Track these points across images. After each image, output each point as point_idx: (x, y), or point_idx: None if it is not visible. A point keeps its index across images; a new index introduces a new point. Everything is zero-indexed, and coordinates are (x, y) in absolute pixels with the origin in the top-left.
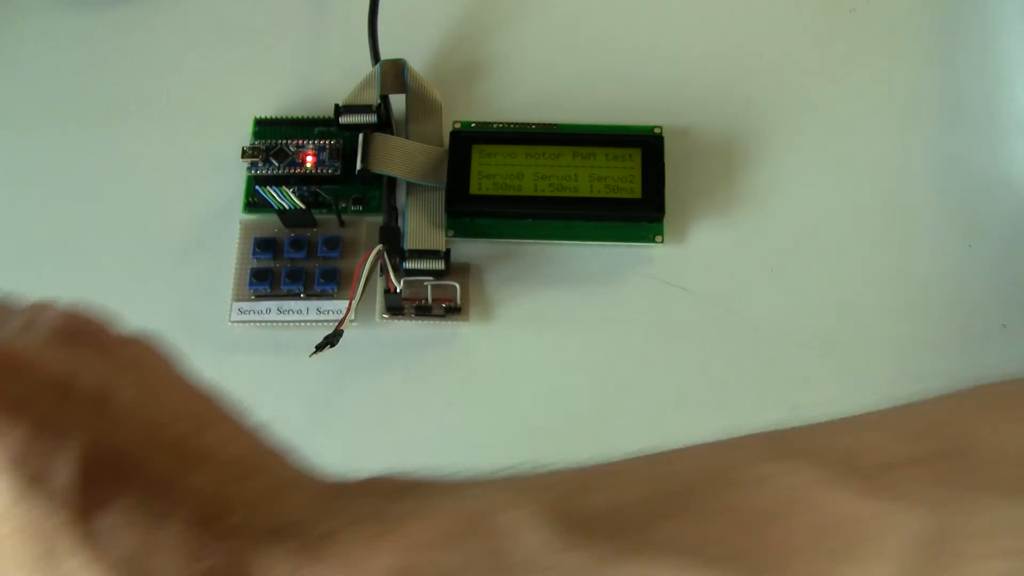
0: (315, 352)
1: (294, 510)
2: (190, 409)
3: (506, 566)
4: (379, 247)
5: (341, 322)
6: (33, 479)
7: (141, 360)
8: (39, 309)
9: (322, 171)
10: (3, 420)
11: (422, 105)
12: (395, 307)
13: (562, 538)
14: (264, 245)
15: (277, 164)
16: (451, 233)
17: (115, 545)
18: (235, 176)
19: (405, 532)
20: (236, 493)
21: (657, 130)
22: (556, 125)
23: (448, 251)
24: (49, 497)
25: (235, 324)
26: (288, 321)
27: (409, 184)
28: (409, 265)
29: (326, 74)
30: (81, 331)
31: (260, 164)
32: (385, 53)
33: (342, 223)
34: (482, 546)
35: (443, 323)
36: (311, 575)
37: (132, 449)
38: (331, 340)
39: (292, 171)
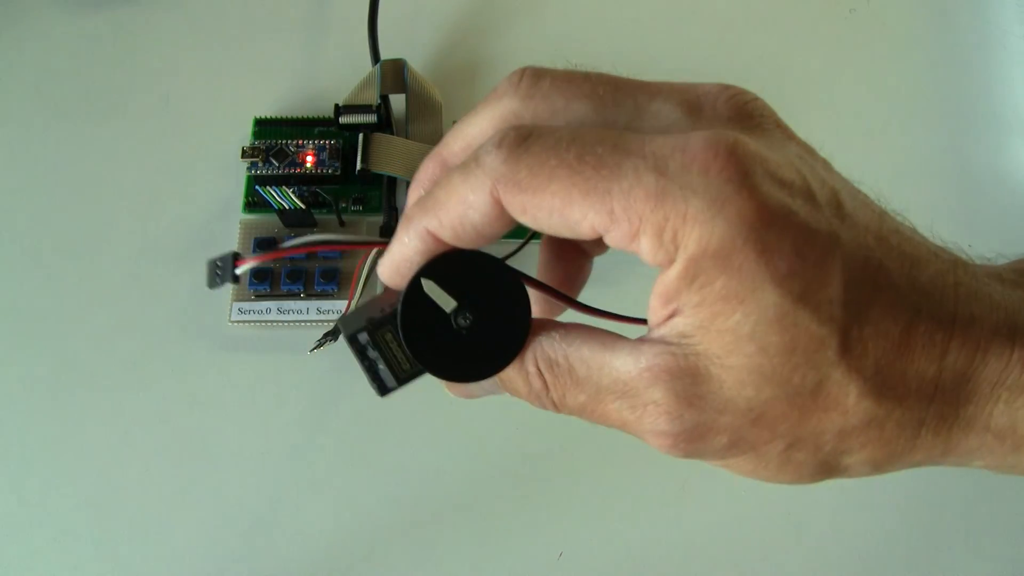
0: (316, 348)
1: (1008, 306)
2: (871, 204)
3: None
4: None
5: (341, 318)
6: (800, 297)
7: (814, 153)
8: (684, 89)
9: (322, 171)
10: (773, 233)
11: (422, 105)
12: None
13: None
14: (264, 245)
15: (277, 164)
16: None
17: (871, 353)
18: (235, 176)
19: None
20: (951, 287)
21: None
22: None
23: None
24: (818, 312)
25: (235, 324)
26: (288, 321)
27: (409, 184)
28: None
29: (326, 74)
30: (760, 119)
31: (260, 164)
32: (385, 53)
33: (342, 223)
34: None
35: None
36: (941, 461)
37: (871, 254)
38: (331, 336)
39: (292, 171)
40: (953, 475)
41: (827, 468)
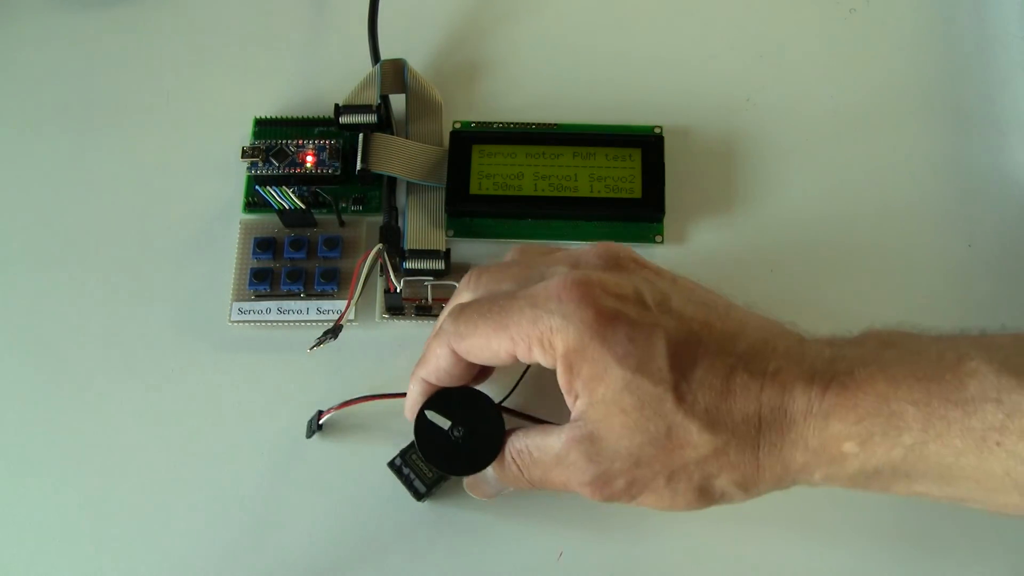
0: (315, 345)
1: (811, 360)
2: (708, 301)
3: (965, 399)
4: (379, 247)
5: (341, 317)
6: (637, 368)
7: (663, 274)
8: (570, 253)
9: (322, 171)
10: (606, 327)
11: (422, 105)
12: (395, 307)
13: (1011, 381)
14: (264, 245)
15: (277, 164)
16: (451, 233)
17: (700, 400)
18: (235, 176)
19: (892, 373)
20: (769, 351)
21: (657, 130)
22: (556, 125)
23: (448, 251)
24: (651, 377)
25: (235, 324)
26: (288, 321)
27: (409, 184)
28: (409, 265)
29: (326, 74)
30: (619, 260)
31: (260, 164)
32: (385, 53)
33: (342, 223)
34: (946, 384)
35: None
36: (830, 404)
37: (692, 335)
38: (332, 333)
39: (292, 171)
40: None
41: (706, 493)
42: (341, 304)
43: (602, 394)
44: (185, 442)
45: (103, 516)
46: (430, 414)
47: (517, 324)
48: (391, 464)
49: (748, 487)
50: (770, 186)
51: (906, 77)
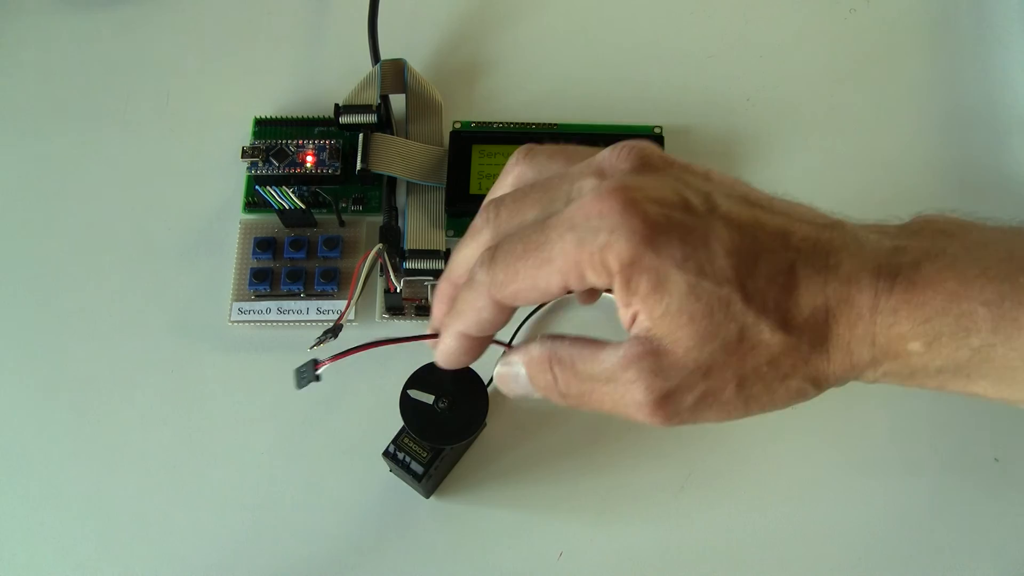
0: (315, 345)
1: (872, 252)
2: (750, 196)
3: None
4: (379, 247)
5: (341, 316)
6: (699, 271)
7: (695, 170)
8: (591, 162)
9: (322, 171)
10: (658, 234)
11: (422, 105)
12: (395, 307)
13: None
14: (264, 245)
15: (277, 164)
16: (451, 233)
17: (768, 297)
18: (235, 176)
19: (961, 270)
20: (825, 242)
21: (657, 130)
22: (556, 125)
23: (448, 251)
24: (715, 278)
25: (235, 324)
26: (288, 321)
27: (409, 184)
28: (409, 265)
29: (326, 74)
30: (649, 161)
31: (260, 164)
32: (385, 53)
33: (342, 223)
34: (1019, 286)
35: None
36: (898, 301)
37: (746, 233)
38: (332, 333)
39: (292, 171)
40: (953, 476)
41: (779, 394)
42: (341, 304)
43: (666, 305)
44: (185, 441)
45: (103, 516)
46: (412, 393)
47: (562, 254)
48: (386, 453)
49: (820, 383)
50: (770, 186)
51: (906, 77)
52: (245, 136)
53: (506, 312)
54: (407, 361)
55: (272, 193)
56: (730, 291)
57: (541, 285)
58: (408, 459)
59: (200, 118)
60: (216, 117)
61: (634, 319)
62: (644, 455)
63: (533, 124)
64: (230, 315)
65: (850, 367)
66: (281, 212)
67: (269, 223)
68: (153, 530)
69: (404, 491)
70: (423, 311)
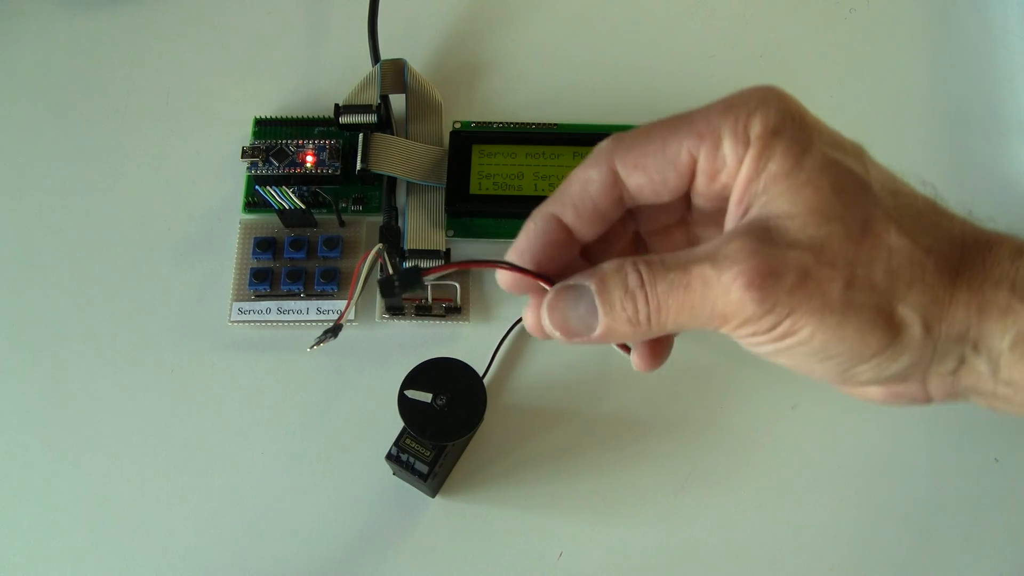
0: (315, 345)
1: (986, 283)
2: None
3: None
4: (379, 246)
5: (341, 316)
6: (839, 148)
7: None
8: None
9: (322, 171)
10: (806, 114)
11: (422, 105)
12: (395, 307)
13: None
14: (264, 245)
15: (277, 164)
16: (451, 233)
17: (902, 205)
18: (235, 176)
19: None
20: (952, 271)
21: None
22: (556, 125)
23: (448, 251)
24: (855, 162)
25: (235, 324)
26: (288, 321)
27: (409, 184)
28: (409, 265)
29: (326, 74)
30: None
31: (260, 164)
32: (385, 53)
33: (342, 223)
34: None
35: (443, 323)
36: (981, 319)
37: (890, 176)
38: (331, 333)
39: (292, 171)
40: (953, 476)
41: (886, 316)
42: (341, 304)
43: (796, 175)
44: (185, 441)
45: (104, 516)
46: (410, 392)
47: (705, 116)
48: (388, 456)
49: (931, 321)
50: None
51: (906, 77)
52: (245, 136)
53: (614, 194)
54: (407, 361)
55: (272, 193)
56: (867, 180)
57: (671, 150)
58: (412, 460)
59: (200, 118)
60: (216, 117)
61: (745, 212)
62: (644, 455)
63: (533, 124)
64: (230, 315)
65: (977, 310)
66: (281, 212)
67: (269, 223)
68: (153, 530)
69: (404, 490)
70: (423, 311)
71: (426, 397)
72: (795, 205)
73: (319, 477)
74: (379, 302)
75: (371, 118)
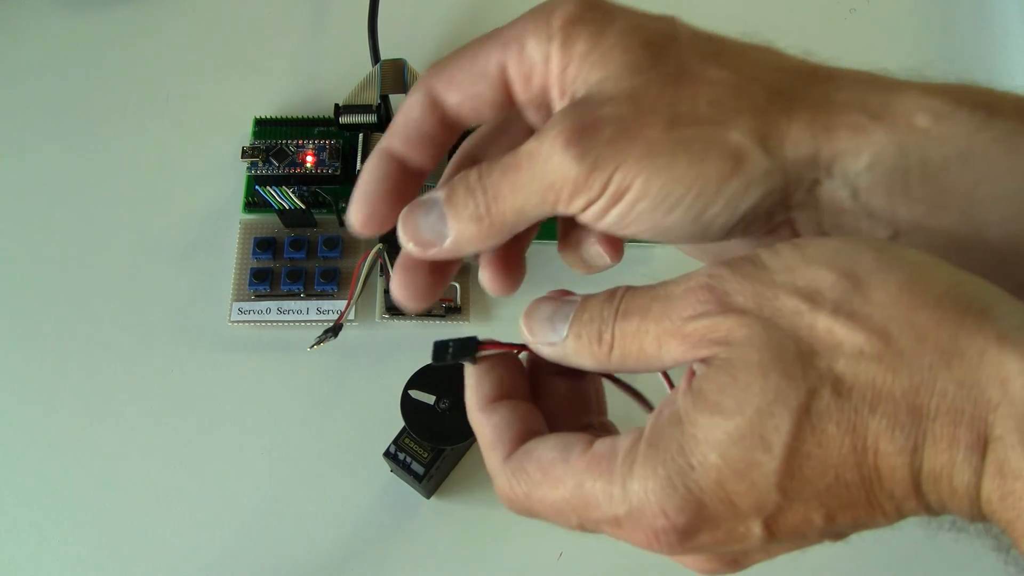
0: (315, 344)
1: (832, 106)
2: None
3: None
4: (379, 247)
5: (341, 316)
6: (643, 15)
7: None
8: None
9: (322, 171)
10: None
11: None
12: (395, 307)
13: None
14: (264, 245)
15: (277, 164)
16: None
17: (714, 47)
18: (235, 176)
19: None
20: (787, 98)
21: None
22: None
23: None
24: (660, 21)
25: (235, 324)
26: (288, 321)
27: None
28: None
29: (326, 74)
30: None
31: (260, 164)
32: (385, 53)
33: (342, 223)
34: None
35: (443, 323)
36: (828, 138)
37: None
38: (332, 332)
39: (292, 171)
40: None
41: (718, 145)
42: (341, 304)
43: (604, 46)
44: (185, 441)
45: (103, 516)
46: (413, 393)
47: (510, 26)
48: (386, 453)
49: (770, 143)
50: None
51: (906, 77)
52: (245, 136)
53: (436, 115)
54: (407, 361)
55: (272, 193)
56: (675, 33)
57: (480, 63)
58: (409, 460)
59: (200, 118)
60: (216, 117)
61: (565, 89)
62: None
63: None
64: (230, 315)
65: (822, 128)
66: (281, 212)
67: (269, 223)
68: (153, 530)
69: (405, 491)
70: (423, 311)
71: (429, 399)
72: (607, 68)
73: (319, 477)
74: (379, 302)
75: (371, 118)
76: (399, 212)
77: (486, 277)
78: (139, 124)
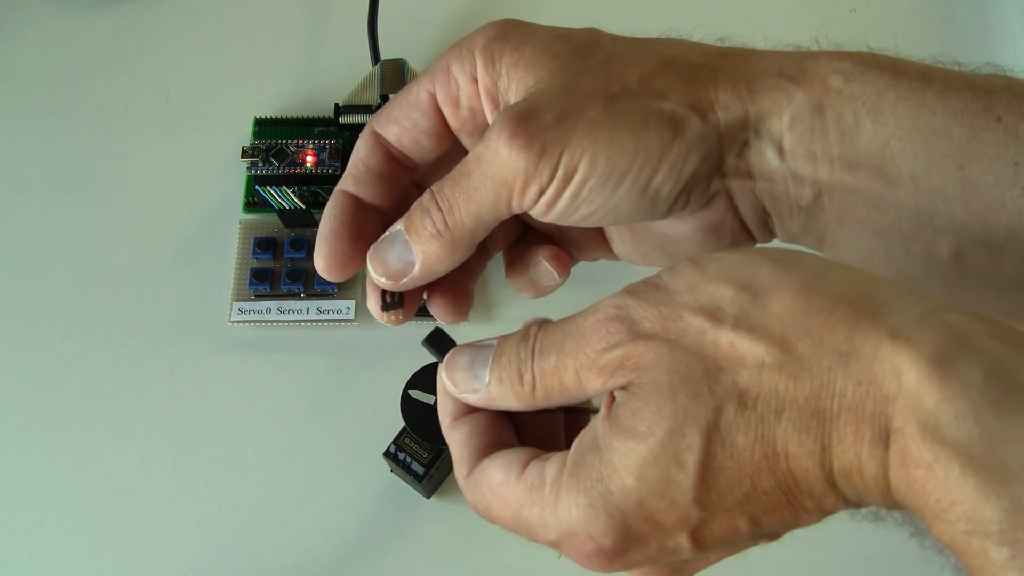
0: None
1: (751, 74)
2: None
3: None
4: None
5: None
6: (559, 30)
7: None
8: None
9: (322, 171)
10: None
11: None
12: (395, 307)
13: None
14: (264, 245)
15: (277, 164)
16: None
17: (626, 42)
18: (235, 176)
19: (813, 75)
20: (710, 71)
21: None
22: None
23: None
24: (575, 31)
25: (235, 324)
26: (288, 321)
27: None
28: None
29: (326, 74)
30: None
31: (260, 164)
32: (385, 53)
33: None
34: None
35: (443, 323)
36: (753, 99)
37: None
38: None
39: (292, 171)
40: None
41: (656, 115)
42: (341, 304)
43: (527, 54)
44: (185, 441)
45: (103, 515)
46: (414, 393)
47: (438, 59)
48: (387, 453)
49: (703, 109)
50: None
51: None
52: (245, 136)
53: (379, 152)
54: (407, 361)
55: (272, 193)
56: (599, 36)
57: (412, 94)
58: (409, 459)
59: (200, 118)
60: (216, 117)
61: (497, 104)
62: None
63: None
64: (230, 315)
65: (746, 88)
66: (281, 212)
67: (269, 223)
68: (153, 530)
69: (405, 491)
70: (424, 311)
71: (429, 399)
72: (538, 72)
73: (319, 477)
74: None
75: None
76: (363, 252)
77: (433, 304)
78: (139, 124)
